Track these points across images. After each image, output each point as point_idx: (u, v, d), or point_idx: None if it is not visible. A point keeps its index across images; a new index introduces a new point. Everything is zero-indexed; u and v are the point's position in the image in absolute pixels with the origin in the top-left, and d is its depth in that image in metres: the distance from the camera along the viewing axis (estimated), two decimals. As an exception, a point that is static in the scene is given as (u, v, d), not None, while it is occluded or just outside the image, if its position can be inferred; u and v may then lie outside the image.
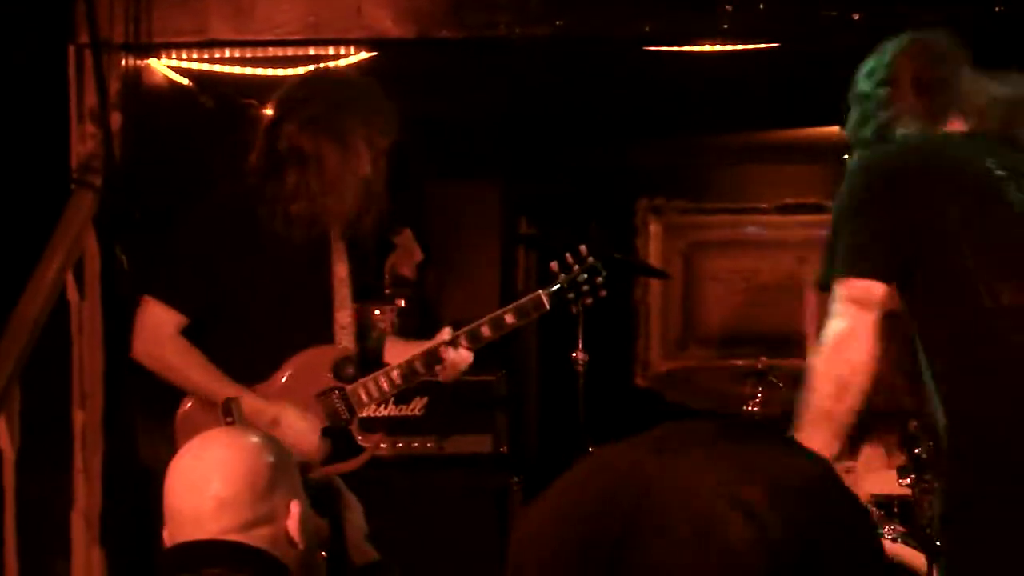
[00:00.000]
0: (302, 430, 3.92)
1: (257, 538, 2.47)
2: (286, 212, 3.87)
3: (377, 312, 5.65)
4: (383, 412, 5.76)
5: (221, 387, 3.90)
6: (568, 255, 4.02)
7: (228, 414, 3.89)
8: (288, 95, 3.99)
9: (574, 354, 5.65)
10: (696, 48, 4.79)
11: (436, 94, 5.48)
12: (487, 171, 7.08)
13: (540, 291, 4.00)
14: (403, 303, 6.30)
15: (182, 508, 2.49)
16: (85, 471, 4.69)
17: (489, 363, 5.65)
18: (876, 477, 4.79)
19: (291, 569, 2.50)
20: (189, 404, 3.99)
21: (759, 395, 5.34)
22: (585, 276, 4.01)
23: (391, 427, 5.81)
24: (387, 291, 6.23)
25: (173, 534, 2.51)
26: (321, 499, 2.70)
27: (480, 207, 7.11)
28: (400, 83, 4.78)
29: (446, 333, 3.99)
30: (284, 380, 3.96)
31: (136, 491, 4.72)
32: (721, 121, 6.44)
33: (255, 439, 2.59)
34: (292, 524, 2.52)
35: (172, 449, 3.97)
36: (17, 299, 4.40)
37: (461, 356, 3.97)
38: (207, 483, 2.47)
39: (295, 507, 2.53)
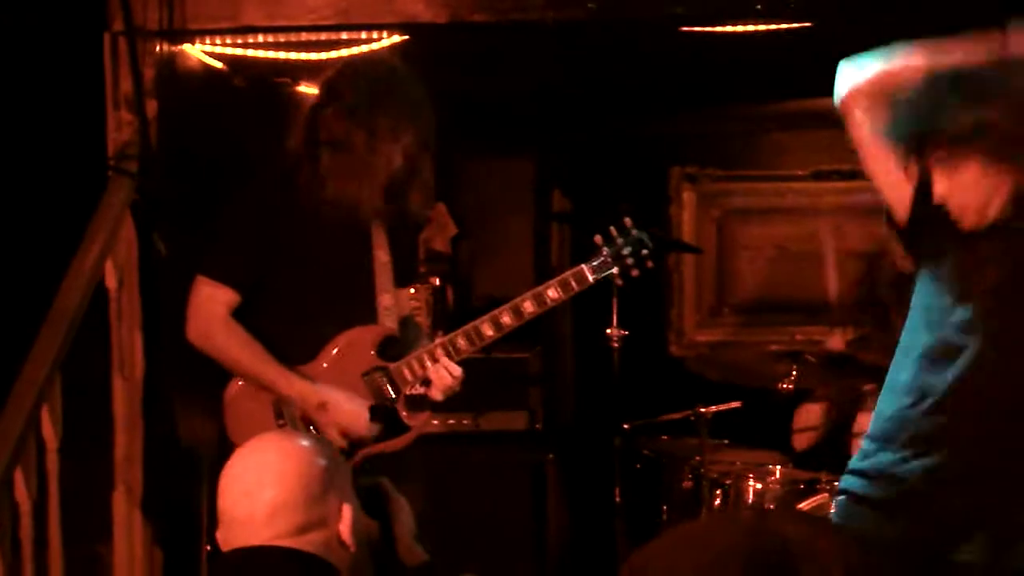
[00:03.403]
0: (350, 411, 3.95)
1: (309, 543, 2.49)
2: (319, 195, 3.90)
3: (412, 291, 5.66)
4: (420, 390, 5.77)
5: (268, 369, 3.94)
6: (612, 228, 4.00)
7: (279, 416, 3.92)
8: (331, 84, 4.01)
9: (609, 331, 5.65)
10: (729, 29, 4.77)
11: (468, 72, 5.47)
12: (519, 144, 7.05)
13: (583, 264, 3.99)
14: (437, 282, 6.30)
15: (235, 513, 2.51)
16: (126, 455, 4.71)
17: (524, 340, 5.66)
18: None
19: (342, 572, 2.52)
20: (238, 385, 4.02)
21: (793, 374, 5.32)
22: (629, 249, 3.99)
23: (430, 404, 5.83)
24: (422, 269, 6.23)
25: (227, 538, 2.53)
26: (371, 501, 2.72)
27: (513, 181, 7.08)
28: (432, 62, 4.79)
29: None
30: (329, 360, 3.99)
31: (178, 473, 4.76)
32: (754, 89, 6.39)
33: (307, 443, 2.60)
34: (344, 527, 2.53)
35: (216, 429, 4.04)
36: (56, 288, 4.41)
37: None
38: (260, 488, 2.49)
39: (347, 510, 2.54)
